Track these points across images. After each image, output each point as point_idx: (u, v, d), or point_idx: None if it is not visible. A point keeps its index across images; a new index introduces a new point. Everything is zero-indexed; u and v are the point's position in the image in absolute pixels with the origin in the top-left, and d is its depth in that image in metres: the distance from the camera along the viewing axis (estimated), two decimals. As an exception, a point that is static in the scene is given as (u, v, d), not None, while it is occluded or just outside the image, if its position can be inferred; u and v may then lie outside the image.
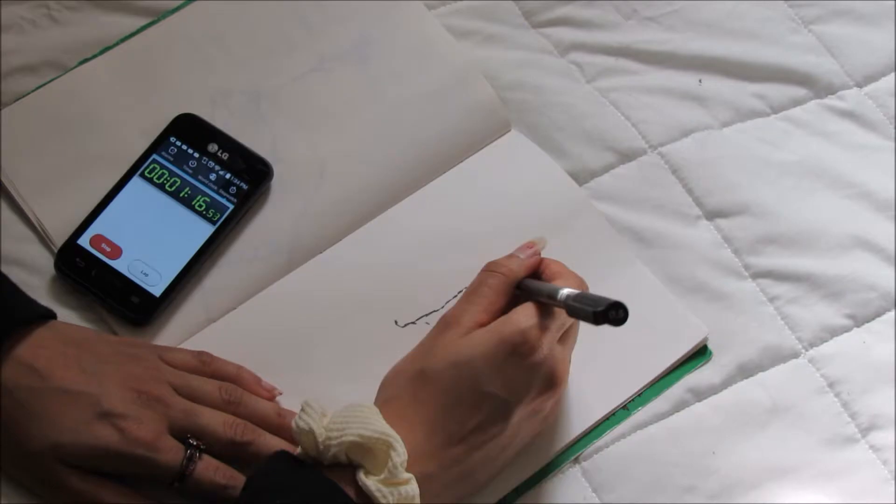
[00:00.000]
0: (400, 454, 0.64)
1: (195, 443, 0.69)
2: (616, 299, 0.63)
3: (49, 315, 0.73)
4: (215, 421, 0.71)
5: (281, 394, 0.75)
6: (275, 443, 0.72)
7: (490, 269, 0.72)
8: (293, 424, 0.66)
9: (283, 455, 0.67)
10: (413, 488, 0.64)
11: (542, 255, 0.74)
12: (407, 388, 0.68)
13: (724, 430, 0.78)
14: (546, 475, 0.75)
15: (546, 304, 0.69)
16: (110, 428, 0.68)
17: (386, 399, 0.69)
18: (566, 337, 0.71)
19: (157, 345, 0.76)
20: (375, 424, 0.64)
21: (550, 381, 0.69)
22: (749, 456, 0.77)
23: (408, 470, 0.64)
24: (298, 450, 0.67)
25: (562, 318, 0.69)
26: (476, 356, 0.67)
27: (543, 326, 0.68)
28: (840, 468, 0.77)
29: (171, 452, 0.68)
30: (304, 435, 0.65)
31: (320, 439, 0.65)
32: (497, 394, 0.67)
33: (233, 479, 0.70)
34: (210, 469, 0.69)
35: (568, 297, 0.67)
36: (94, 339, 0.73)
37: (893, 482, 0.77)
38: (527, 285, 0.71)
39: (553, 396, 0.70)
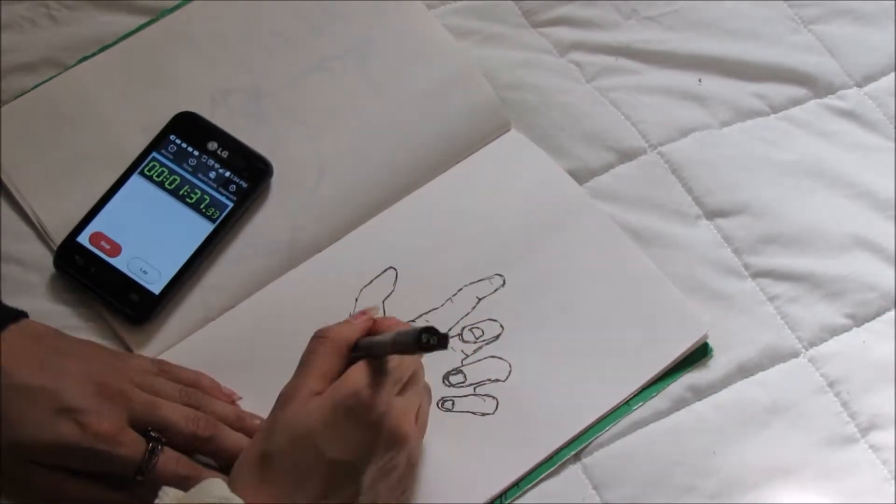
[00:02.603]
0: None
1: (156, 435, 0.69)
2: (428, 325, 0.64)
3: (20, 315, 0.72)
4: (177, 414, 0.70)
5: (241, 398, 0.75)
6: (235, 439, 0.71)
7: (318, 335, 0.70)
8: None
9: None
10: None
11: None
12: (252, 474, 0.66)
13: (724, 429, 0.78)
14: (547, 470, 0.75)
15: (378, 360, 0.67)
16: (71, 423, 0.67)
17: (235, 487, 0.66)
18: (406, 388, 0.69)
19: (117, 350, 0.76)
20: (218, 492, 0.63)
21: (394, 436, 0.67)
22: (749, 456, 0.77)
23: None
24: None
25: (396, 370, 0.68)
26: (314, 426, 0.66)
27: (377, 383, 0.66)
28: (840, 468, 0.77)
29: (133, 446, 0.68)
30: None
31: None
32: (341, 458, 0.66)
33: (195, 470, 0.69)
34: (172, 461, 0.69)
35: (392, 336, 0.66)
36: (55, 335, 0.72)
37: (893, 482, 0.77)
38: (359, 344, 0.70)
39: (402, 451, 0.68)
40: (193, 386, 0.74)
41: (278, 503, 0.65)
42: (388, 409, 0.66)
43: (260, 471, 0.66)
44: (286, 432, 0.66)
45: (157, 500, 0.64)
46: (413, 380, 0.70)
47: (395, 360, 0.68)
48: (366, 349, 0.69)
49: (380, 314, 0.74)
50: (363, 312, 0.72)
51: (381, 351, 0.68)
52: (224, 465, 0.71)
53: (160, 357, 0.77)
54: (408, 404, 0.69)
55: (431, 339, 0.64)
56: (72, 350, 0.71)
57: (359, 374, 0.67)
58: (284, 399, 0.68)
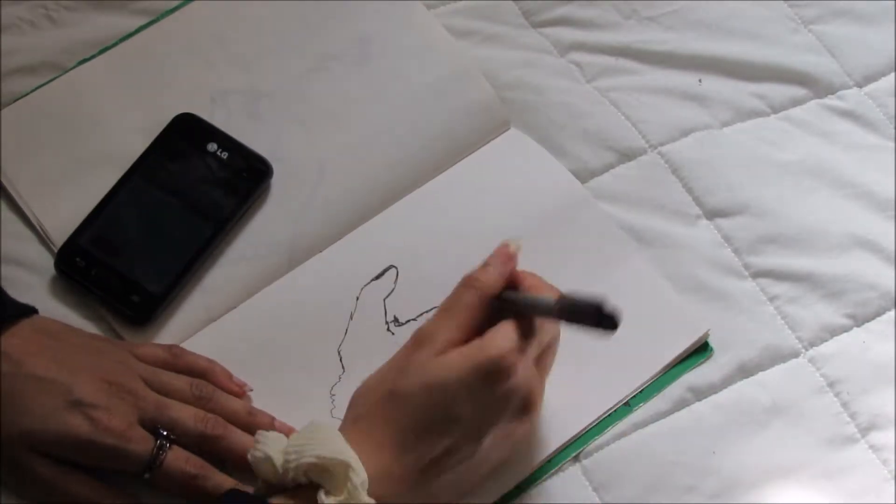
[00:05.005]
0: (359, 475, 0.63)
1: (165, 433, 0.69)
2: (602, 303, 0.62)
3: (30, 310, 0.73)
4: (186, 414, 0.70)
5: (251, 390, 0.75)
6: (245, 440, 0.71)
7: (466, 283, 0.69)
8: (249, 456, 0.65)
9: (233, 493, 0.66)
10: None
11: (522, 266, 0.71)
12: (376, 407, 0.66)
13: (724, 429, 0.78)
14: (547, 472, 0.75)
15: (524, 322, 0.67)
16: (81, 417, 0.67)
17: (355, 418, 0.67)
18: (542, 359, 0.70)
19: (128, 341, 0.76)
20: (334, 445, 0.63)
21: (524, 406, 0.68)
22: (749, 456, 0.77)
23: (374, 491, 0.63)
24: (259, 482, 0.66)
25: (541, 337, 0.68)
26: (449, 380, 0.65)
27: (520, 349, 0.66)
28: (840, 468, 0.77)
29: (142, 443, 0.68)
30: (261, 464, 0.64)
31: (278, 464, 0.64)
32: (469, 418, 0.65)
33: (203, 468, 0.70)
34: (180, 459, 0.69)
35: (556, 303, 0.65)
36: (67, 331, 0.73)
37: (893, 482, 0.77)
38: (508, 297, 0.69)
39: (526, 421, 0.69)
40: (205, 375, 0.74)
41: (399, 448, 0.65)
42: (525, 378, 0.66)
43: (384, 406, 0.66)
44: (420, 378, 0.66)
45: (251, 451, 0.64)
46: (549, 352, 0.70)
47: (542, 326, 0.67)
48: (513, 304, 0.68)
49: (518, 249, 0.71)
50: (505, 251, 0.71)
51: (533, 311, 0.66)
52: (233, 465, 0.71)
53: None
54: (542, 376, 0.69)
55: (609, 322, 0.62)
56: (84, 345, 0.72)
57: (505, 337, 0.66)
58: (422, 339, 0.67)
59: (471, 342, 0.67)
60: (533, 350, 0.67)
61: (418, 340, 0.68)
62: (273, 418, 0.74)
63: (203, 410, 0.72)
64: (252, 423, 0.73)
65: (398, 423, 0.66)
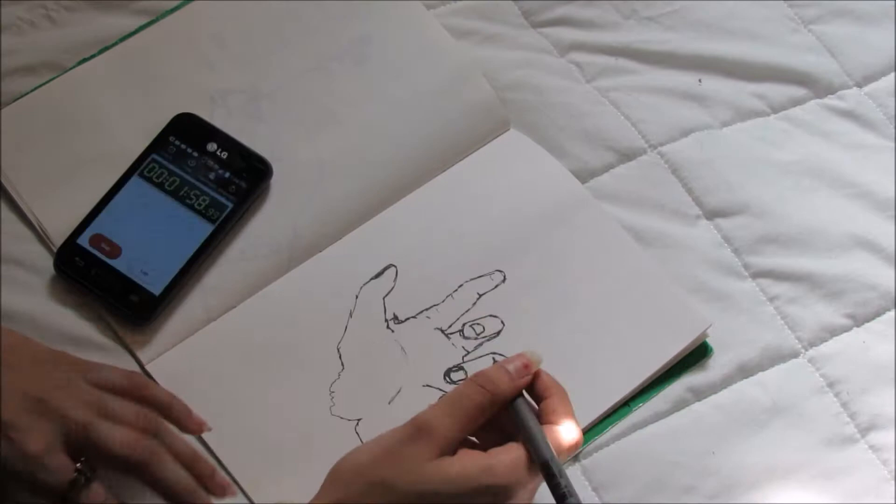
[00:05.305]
0: None
1: (82, 468, 0.65)
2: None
3: None
4: (113, 436, 0.66)
5: (210, 429, 0.72)
6: (174, 471, 0.67)
7: (477, 382, 0.65)
8: None
9: None
10: None
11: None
12: (362, 490, 0.63)
13: (723, 429, 0.78)
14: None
15: (528, 442, 0.64)
16: (2, 438, 0.64)
17: (335, 488, 0.64)
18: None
19: (88, 361, 0.71)
20: None
21: None
22: (749, 456, 0.77)
23: None
24: None
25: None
26: (446, 494, 0.62)
27: (527, 481, 0.63)
28: (840, 468, 0.77)
29: (58, 472, 0.65)
30: None
31: None
32: None
33: None
34: (97, 497, 0.65)
35: (550, 454, 0.63)
36: (16, 344, 0.69)
37: (893, 482, 0.77)
38: (519, 413, 0.66)
39: None
40: (163, 409, 0.70)
41: None
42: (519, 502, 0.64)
43: (372, 493, 0.63)
44: (414, 478, 0.63)
45: None
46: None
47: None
48: (517, 423, 0.65)
49: (538, 365, 0.68)
50: (524, 362, 0.67)
51: (529, 438, 0.64)
52: (163, 496, 0.67)
53: (160, 357, 0.77)
54: (534, 494, 0.66)
55: None
56: (25, 362, 0.68)
57: (513, 465, 0.63)
58: (420, 430, 0.64)
59: (474, 456, 0.64)
60: (535, 484, 0.65)
61: (417, 429, 0.64)
62: (214, 470, 0.70)
63: (137, 434, 0.67)
64: (193, 471, 0.68)
65: None
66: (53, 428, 0.65)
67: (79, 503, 0.65)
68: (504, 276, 0.81)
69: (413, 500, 0.62)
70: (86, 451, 0.66)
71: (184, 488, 0.67)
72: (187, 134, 0.83)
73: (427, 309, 0.80)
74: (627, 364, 0.78)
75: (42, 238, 0.80)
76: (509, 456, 0.64)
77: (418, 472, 0.63)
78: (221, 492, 0.70)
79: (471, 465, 0.63)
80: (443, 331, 0.79)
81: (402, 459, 0.63)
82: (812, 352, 0.81)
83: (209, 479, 0.69)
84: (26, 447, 0.64)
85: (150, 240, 0.79)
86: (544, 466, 0.63)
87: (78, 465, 0.65)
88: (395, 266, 0.81)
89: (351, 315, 0.79)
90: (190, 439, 0.71)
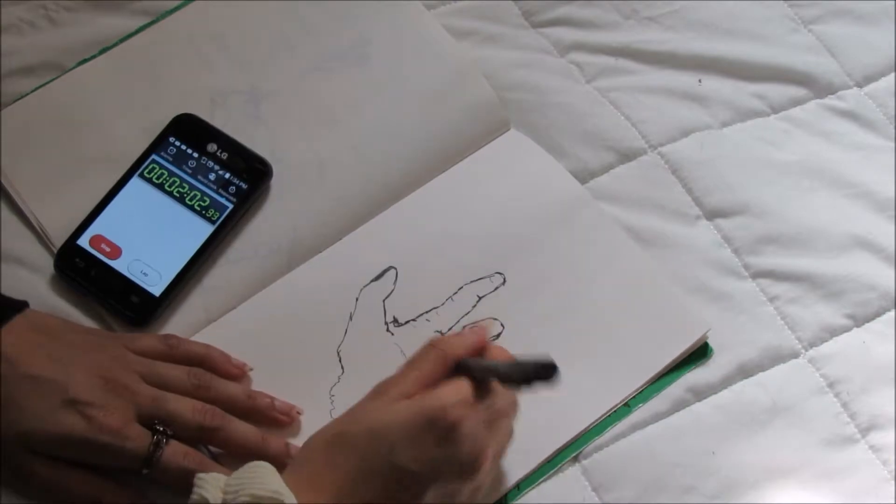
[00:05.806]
0: None
1: (162, 429, 0.69)
2: (546, 360, 0.64)
3: (22, 305, 0.73)
4: (183, 407, 0.70)
5: (252, 369, 0.76)
6: (244, 429, 0.72)
7: (432, 342, 0.69)
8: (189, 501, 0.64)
9: None
10: None
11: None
12: (322, 450, 0.66)
13: (724, 429, 0.78)
14: (547, 472, 0.75)
15: (481, 384, 0.67)
16: (77, 415, 0.68)
17: (301, 460, 0.67)
18: (496, 425, 0.68)
19: (123, 334, 0.76)
20: (269, 484, 0.62)
21: (468, 465, 0.66)
22: (749, 456, 0.77)
23: None
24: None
25: (494, 400, 0.67)
26: (393, 425, 0.64)
27: (469, 405, 0.65)
28: (840, 468, 0.77)
29: (139, 439, 0.68)
30: None
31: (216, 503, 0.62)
32: (411, 468, 0.64)
33: (202, 463, 0.70)
34: (178, 454, 0.69)
35: (503, 364, 0.65)
36: (63, 327, 0.73)
37: (893, 482, 0.77)
38: (464, 363, 0.69)
39: (470, 483, 0.67)
40: (203, 361, 0.74)
41: (338, 492, 0.64)
42: (470, 435, 0.65)
43: (330, 450, 0.66)
44: (366, 422, 0.66)
45: (195, 489, 0.63)
46: (504, 415, 0.69)
47: (495, 390, 0.67)
48: (470, 368, 0.68)
49: (497, 330, 0.75)
50: (480, 327, 0.72)
51: (485, 374, 0.67)
52: (234, 455, 0.71)
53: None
54: (490, 437, 0.67)
55: (549, 372, 0.63)
56: (79, 341, 0.72)
57: (452, 390, 0.66)
58: (377, 391, 0.68)
59: (421, 394, 0.67)
60: (482, 409, 0.67)
61: (374, 391, 0.68)
62: (273, 399, 0.74)
63: (201, 401, 0.71)
64: (252, 406, 0.73)
65: (339, 467, 0.65)
66: (125, 403, 0.69)
67: (160, 463, 0.68)
68: (504, 279, 0.81)
69: (364, 440, 0.65)
70: (157, 420, 0.70)
71: (254, 442, 0.72)
72: (187, 134, 0.83)
73: (427, 312, 0.80)
74: (626, 367, 0.78)
75: (42, 238, 0.80)
76: (452, 383, 0.67)
77: (369, 416, 0.66)
78: (288, 420, 0.74)
79: (417, 397, 0.66)
80: (443, 333, 0.79)
81: (358, 414, 0.67)
82: (812, 352, 0.81)
83: (271, 409, 0.74)
84: (105, 421, 0.68)
85: (150, 241, 0.79)
86: (489, 369, 0.67)
87: (158, 427, 0.69)
88: (395, 268, 0.81)
89: (351, 318, 0.79)
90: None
